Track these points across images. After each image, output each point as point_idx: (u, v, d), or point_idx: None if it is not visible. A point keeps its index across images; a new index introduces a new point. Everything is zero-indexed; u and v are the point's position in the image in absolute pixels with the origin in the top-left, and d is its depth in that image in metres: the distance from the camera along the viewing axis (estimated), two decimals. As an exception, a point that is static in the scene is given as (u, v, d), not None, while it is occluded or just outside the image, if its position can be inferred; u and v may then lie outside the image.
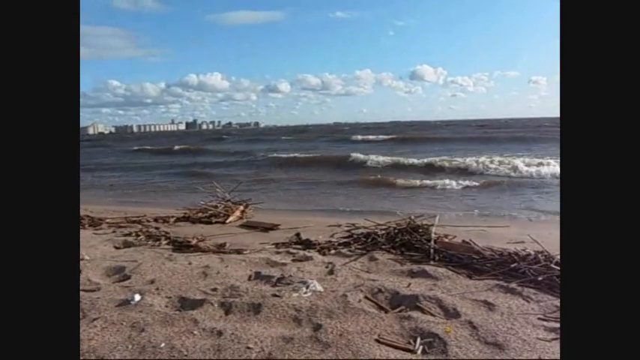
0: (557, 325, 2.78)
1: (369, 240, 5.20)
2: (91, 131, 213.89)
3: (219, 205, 8.06)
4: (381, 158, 19.40)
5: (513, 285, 3.53)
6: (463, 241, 4.73)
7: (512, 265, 3.91)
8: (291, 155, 23.72)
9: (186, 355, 2.56)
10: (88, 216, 7.60)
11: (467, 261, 4.21)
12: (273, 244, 5.42)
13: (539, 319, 2.96)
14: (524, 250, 4.26)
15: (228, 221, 7.27)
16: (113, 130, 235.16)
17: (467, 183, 12.15)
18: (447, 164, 16.89)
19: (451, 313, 3.08)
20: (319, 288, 3.53)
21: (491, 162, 16.13)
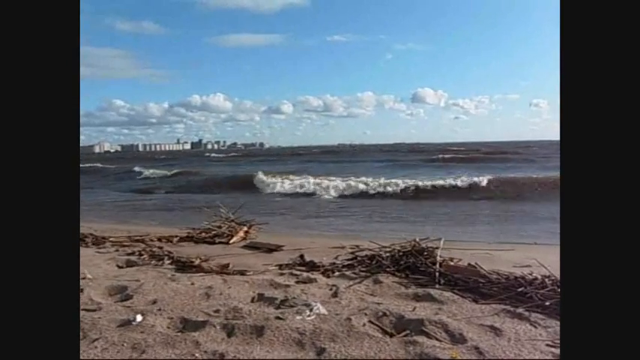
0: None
1: (374, 262, 5.16)
2: (97, 150, 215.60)
3: (222, 225, 8.04)
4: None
5: (520, 310, 3.47)
6: (469, 264, 4.68)
7: (519, 290, 3.85)
8: None
9: (187, 379, 2.51)
10: (91, 234, 7.59)
11: (473, 285, 4.15)
12: (276, 266, 5.37)
13: (547, 345, 2.90)
14: (530, 274, 4.20)
15: (231, 242, 7.23)
16: (119, 148, 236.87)
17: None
18: None
19: (457, 338, 3.02)
20: (323, 311, 3.48)
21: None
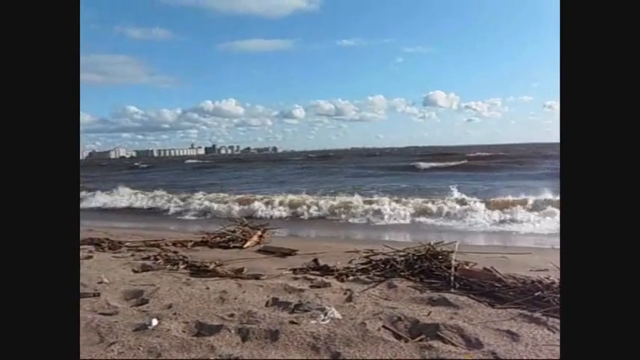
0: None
1: (388, 266, 5.13)
2: (112, 155, 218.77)
3: (237, 229, 8.08)
4: None
5: (537, 314, 3.42)
6: (484, 268, 4.63)
7: (536, 294, 3.79)
8: None
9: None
10: (107, 239, 7.70)
11: (488, 289, 4.11)
12: (290, 270, 5.38)
13: (565, 351, 2.85)
14: (547, 278, 4.15)
15: (245, 246, 7.26)
16: (134, 154, 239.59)
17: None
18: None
19: (473, 344, 2.99)
20: (337, 315, 3.47)
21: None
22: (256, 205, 13.92)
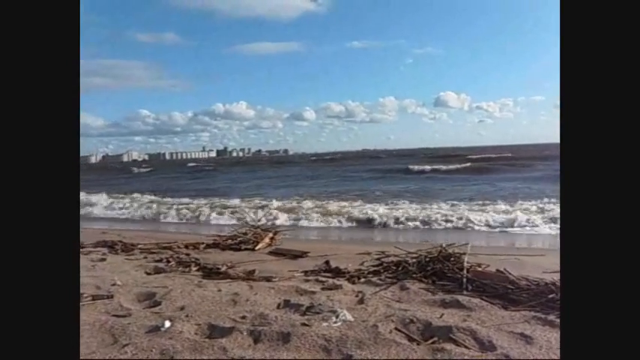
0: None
1: (400, 268, 5.11)
2: (125, 158, 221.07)
3: (248, 231, 8.11)
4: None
5: (552, 317, 3.38)
6: (497, 270, 4.59)
7: (550, 296, 3.75)
8: None
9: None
10: (121, 241, 7.78)
11: (502, 291, 4.07)
12: (302, 272, 5.38)
13: (580, 353, 2.82)
14: (562, 280, 4.10)
15: (257, 248, 7.28)
16: (147, 157, 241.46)
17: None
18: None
19: (486, 346, 2.96)
20: (349, 317, 3.46)
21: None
22: (250, 210, 13.93)
